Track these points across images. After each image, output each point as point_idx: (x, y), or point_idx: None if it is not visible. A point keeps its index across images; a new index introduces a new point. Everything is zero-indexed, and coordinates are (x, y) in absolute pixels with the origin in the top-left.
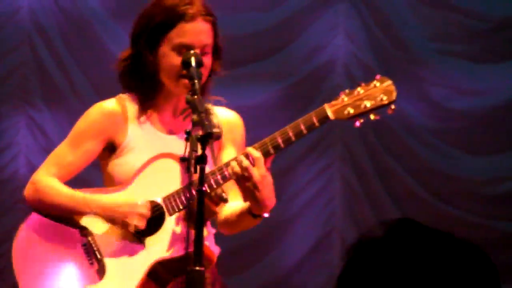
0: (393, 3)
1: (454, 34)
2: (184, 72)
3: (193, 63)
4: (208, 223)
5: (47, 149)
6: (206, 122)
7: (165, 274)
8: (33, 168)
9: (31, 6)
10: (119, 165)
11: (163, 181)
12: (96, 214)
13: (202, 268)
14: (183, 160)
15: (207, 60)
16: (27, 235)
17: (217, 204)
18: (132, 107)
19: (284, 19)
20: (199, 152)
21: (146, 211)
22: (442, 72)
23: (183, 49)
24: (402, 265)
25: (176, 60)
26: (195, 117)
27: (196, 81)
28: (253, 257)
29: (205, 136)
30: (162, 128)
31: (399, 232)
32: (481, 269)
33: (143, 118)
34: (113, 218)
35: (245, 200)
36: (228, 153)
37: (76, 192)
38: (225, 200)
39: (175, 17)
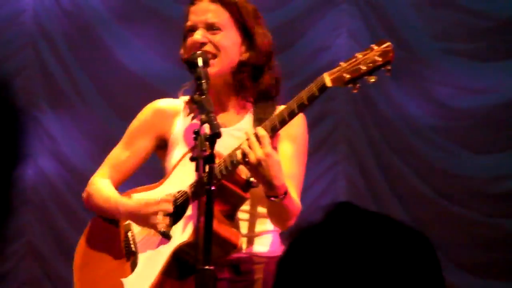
0: (397, 2)
1: (458, 33)
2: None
3: (200, 63)
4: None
5: (52, 150)
6: (214, 122)
7: (190, 258)
8: (39, 170)
9: (35, 8)
10: (168, 161)
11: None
12: (125, 218)
13: (212, 267)
14: (193, 159)
15: (219, 38)
16: (86, 237)
17: (245, 190)
18: (186, 105)
19: (288, 20)
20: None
21: (168, 206)
22: (446, 71)
23: (191, 30)
24: (340, 249)
25: (187, 41)
26: (203, 116)
27: (203, 81)
28: None
29: (213, 136)
30: None
31: (337, 217)
32: (420, 252)
33: (192, 115)
34: (139, 221)
35: (256, 178)
36: (284, 146)
37: (113, 195)
38: (252, 185)
39: (188, 5)
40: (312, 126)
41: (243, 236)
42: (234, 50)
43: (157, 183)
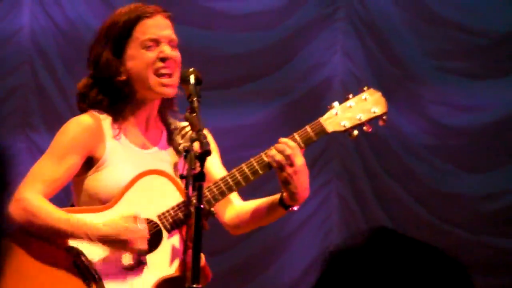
0: (391, 20)
1: (451, 51)
2: (160, 65)
3: (192, 81)
4: None
5: None
6: (204, 140)
7: None
8: None
9: (32, 27)
10: (99, 181)
11: (153, 198)
12: (95, 242)
13: (200, 286)
14: (182, 177)
15: (177, 56)
16: (13, 251)
17: (206, 219)
18: (106, 122)
19: (283, 38)
20: (197, 169)
21: (146, 234)
22: (439, 89)
23: (151, 43)
24: (380, 274)
25: (147, 56)
26: (193, 134)
27: (194, 99)
28: (250, 274)
29: (204, 154)
30: (136, 143)
31: (378, 241)
32: (456, 279)
33: (117, 132)
34: (115, 245)
35: (284, 190)
36: (212, 162)
37: (70, 216)
38: (212, 214)
39: (134, 18)
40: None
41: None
42: None
43: (103, 206)
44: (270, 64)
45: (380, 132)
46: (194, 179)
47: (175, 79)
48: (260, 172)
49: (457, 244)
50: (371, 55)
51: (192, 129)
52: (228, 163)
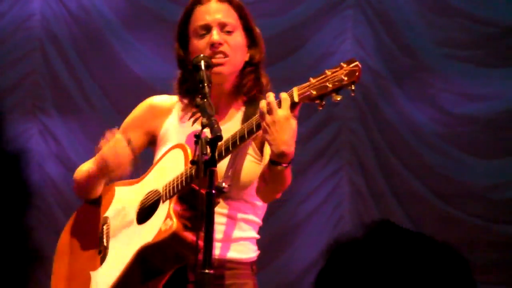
0: (401, 9)
1: (461, 40)
2: (210, 51)
3: (203, 66)
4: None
5: (59, 155)
6: (215, 126)
7: (155, 261)
8: (45, 174)
9: (43, 13)
10: (156, 157)
11: (172, 170)
12: (103, 166)
13: (212, 271)
14: (193, 163)
15: (232, 40)
16: (70, 227)
17: (216, 195)
18: (178, 105)
19: (293, 25)
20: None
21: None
22: (449, 77)
23: (203, 31)
24: (380, 266)
25: (200, 44)
26: (204, 120)
27: (205, 84)
28: (260, 263)
29: (215, 139)
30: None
31: (379, 234)
32: (458, 274)
33: (185, 116)
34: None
35: (266, 140)
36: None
37: (91, 162)
38: (223, 191)
39: (191, 6)
40: (316, 131)
41: (218, 241)
42: (243, 50)
43: (138, 178)
44: (279, 52)
45: (391, 120)
46: (206, 165)
47: (226, 60)
48: (255, 130)
49: (468, 232)
50: (382, 43)
51: (203, 114)
52: None
